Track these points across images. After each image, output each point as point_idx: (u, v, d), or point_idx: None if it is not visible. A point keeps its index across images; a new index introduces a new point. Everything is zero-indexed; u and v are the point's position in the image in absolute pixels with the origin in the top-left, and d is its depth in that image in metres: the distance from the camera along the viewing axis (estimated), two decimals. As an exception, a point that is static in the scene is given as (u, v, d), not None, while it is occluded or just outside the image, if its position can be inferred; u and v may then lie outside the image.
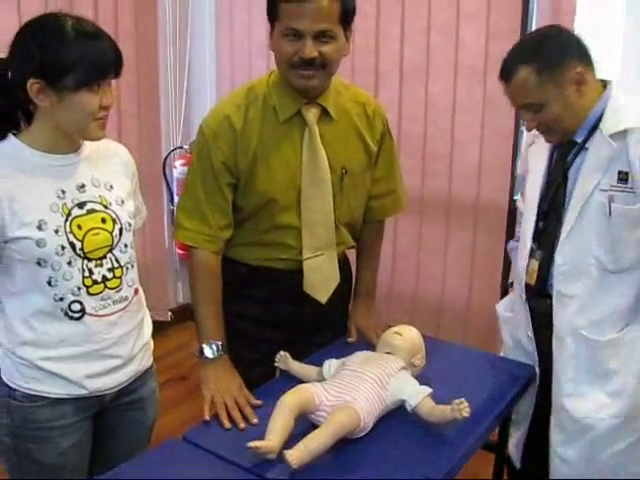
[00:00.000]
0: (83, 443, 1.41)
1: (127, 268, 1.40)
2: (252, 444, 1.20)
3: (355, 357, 1.47)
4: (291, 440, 1.23)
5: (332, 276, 1.66)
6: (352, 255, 1.83)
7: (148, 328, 1.52)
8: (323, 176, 1.57)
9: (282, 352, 1.56)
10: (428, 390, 1.37)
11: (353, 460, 1.26)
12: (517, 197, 1.94)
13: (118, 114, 2.92)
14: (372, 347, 1.58)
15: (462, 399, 1.28)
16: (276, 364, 1.56)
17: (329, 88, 1.56)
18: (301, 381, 1.47)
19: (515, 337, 1.72)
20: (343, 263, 1.75)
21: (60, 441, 1.36)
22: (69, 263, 1.30)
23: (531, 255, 1.60)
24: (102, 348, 1.37)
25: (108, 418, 1.47)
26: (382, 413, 1.37)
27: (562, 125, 1.49)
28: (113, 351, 1.39)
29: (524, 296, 1.63)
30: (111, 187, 1.39)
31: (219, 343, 1.52)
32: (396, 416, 1.38)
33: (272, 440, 1.23)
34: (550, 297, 1.55)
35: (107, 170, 1.41)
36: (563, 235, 1.50)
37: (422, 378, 1.48)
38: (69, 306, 1.31)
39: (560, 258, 1.51)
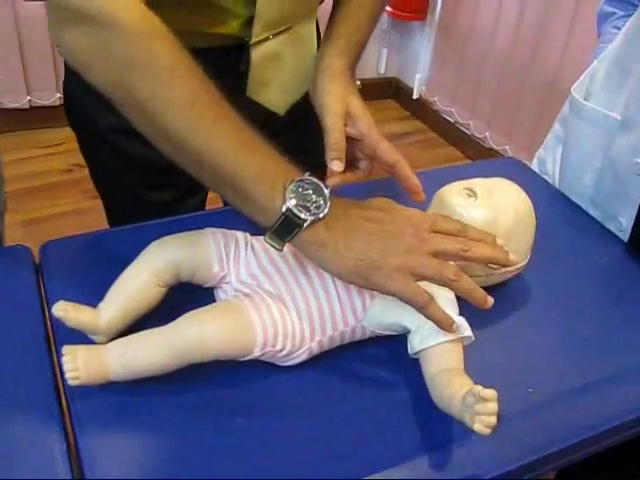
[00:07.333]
0: None
1: None
2: (56, 309, 0.61)
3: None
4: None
5: (303, 69, 0.86)
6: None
7: None
8: None
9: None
10: (451, 335, 0.62)
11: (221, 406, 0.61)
12: None
13: None
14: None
15: (491, 392, 0.52)
16: None
17: None
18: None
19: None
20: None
21: None
22: None
23: None
24: None
25: None
26: (355, 338, 0.69)
27: None
28: None
29: None
30: None
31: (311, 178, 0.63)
32: (393, 345, 0.70)
33: (102, 309, 0.64)
34: None
35: None
36: None
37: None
38: None
39: None
